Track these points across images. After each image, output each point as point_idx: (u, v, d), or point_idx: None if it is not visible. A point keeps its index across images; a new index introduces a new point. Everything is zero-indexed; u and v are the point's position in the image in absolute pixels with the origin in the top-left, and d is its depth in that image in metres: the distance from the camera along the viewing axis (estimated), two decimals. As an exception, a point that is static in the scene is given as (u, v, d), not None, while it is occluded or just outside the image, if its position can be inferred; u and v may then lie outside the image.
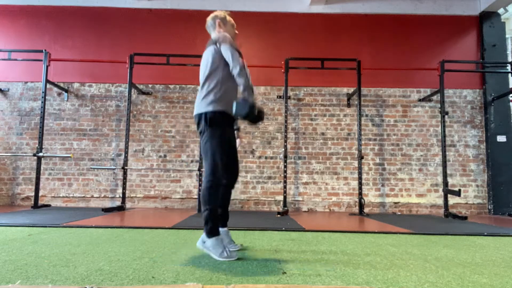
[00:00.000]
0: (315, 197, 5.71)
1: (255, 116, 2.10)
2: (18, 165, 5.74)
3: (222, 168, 2.17)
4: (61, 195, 5.68)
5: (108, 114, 5.86)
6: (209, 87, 2.21)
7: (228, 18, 2.46)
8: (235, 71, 2.15)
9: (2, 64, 5.87)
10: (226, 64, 2.22)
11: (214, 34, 2.41)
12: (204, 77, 2.24)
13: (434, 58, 5.93)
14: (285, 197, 5.14)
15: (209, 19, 2.44)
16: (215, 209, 2.15)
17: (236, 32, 2.52)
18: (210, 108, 2.16)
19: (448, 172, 5.61)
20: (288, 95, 5.54)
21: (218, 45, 2.22)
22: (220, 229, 2.25)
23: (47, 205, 5.40)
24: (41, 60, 5.32)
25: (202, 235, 2.15)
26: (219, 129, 2.17)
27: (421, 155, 5.81)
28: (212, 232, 2.11)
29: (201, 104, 2.20)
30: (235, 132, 2.52)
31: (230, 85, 2.24)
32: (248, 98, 2.09)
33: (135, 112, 5.84)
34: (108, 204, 5.60)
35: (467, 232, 3.42)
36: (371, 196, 5.72)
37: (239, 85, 2.17)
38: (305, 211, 5.56)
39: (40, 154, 5.11)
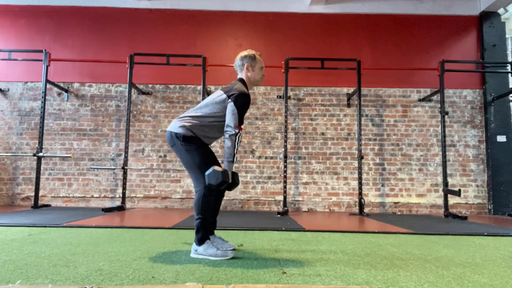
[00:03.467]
0: (315, 197, 5.71)
1: (227, 186, 2.15)
2: (18, 165, 5.74)
3: None
4: (61, 195, 5.68)
5: (108, 114, 5.86)
6: (196, 120, 2.22)
7: (258, 58, 2.38)
8: (227, 133, 2.16)
9: (2, 64, 5.87)
10: (225, 115, 2.21)
11: (240, 74, 2.39)
12: (199, 111, 2.25)
13: (434, 58, 5.93)
14: (285, 197, 5.14)
15: (238, 59, 2.38)
16: (208, 219, 2.18)
17: (264, 74, 2.45)
18: (180, 131, 2.18)
19: (448, 172, 5.61)
20: (288, 95, 5.54)
21: (228, 99, 2.19)
22: (210, 236, 2.27)
23: (47, 205, 5.41)
24: (41, 60, 5.31)
25: (193, 245, 2.17)
26: (194, 143, 2.19)
27: (421, 155, 5.81)
28: (203, 240, 2.14)
29: (177, 123, 2.22)
30: None
31: (213, 129, 2.25)
32: (224, 171, 2.07)
33: (135, 112, 5.84)
34: (108, 204, 5.60)
35: (467, 232, 3.42)
36: (371, 196, 5.72)
37: (224, 145, 2.17)
38: (305, 211, 5.56)
39: (40, 154, 5.11)
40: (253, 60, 2.36)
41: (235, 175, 2.22)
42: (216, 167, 2.07)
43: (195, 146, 2.18)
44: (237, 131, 2.16)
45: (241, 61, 2.37)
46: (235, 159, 2.17)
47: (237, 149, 2.17)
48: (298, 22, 6.10)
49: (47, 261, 1.93)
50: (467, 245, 2.74)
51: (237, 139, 2.17)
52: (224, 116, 2.20)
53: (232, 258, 2.11)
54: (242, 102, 2.19)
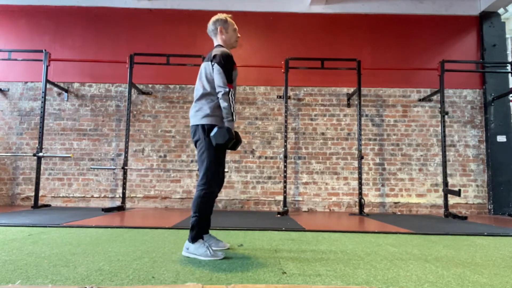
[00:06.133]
0: (315, 197, 5.71)
1: (232, 144, 2.20)
2: (18, 165, 5.74)
3: (217, 178, 2.24)
4: (61, 195, 5.68)
5: (108, 114, 5.86)
6: (204, 101, 2.24)
7: (230, 21, 2.41)
8: (219, 94, 2.18)
9: (2, 64, 5.87)
10: None
11: (215, 41, 2.41)
12: (201, 92, 2.26)
13: (434, 58, 5.93)
14: (285, 197, 5.14)
15: (210, 24, 2.41)
16: (205, 218, 2.19)
17: (239, 35, 2.49)
18: (204, 121, 2.20)
19: (448, 172, 5.61)
20: (288, 95, 5.54)
21: (213, 63, 2.22)
22: (204, 235, 2.27)
23: (47, 205, 5.40)
24: (41, 60, 5.31)
25: (185, 243, 2.18)
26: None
27: (421, 155, 5.81)
28: (196, 238, 2.15)
29: (196, 116, 2.24)
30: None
31: None
32: (227, 128, 2.12)
33: (135, 112, 5.84)
34: (108, 204, 5.60)
35: (467, 232, 3.42)
36: (371, 196, 5.72)
37: (222, 107, 2.18)
38: (305, 211, 5.56)
39: (40, 154, 5.11)
40: (225, 22, 2.39)
41: (237, 134, 2.30)
42: (219, 127, 2.12)
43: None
44: (227, 89, 2.17)
45: (213, 25, 2.40)
46: (234, 118, 2.19)
47: (233, 107, 2.19)
48: (298, 22, 6.10)
49: (47, 261, 1.93)
50: (467, 245, 2.74)
51: (230, 98, 2.18)
52: None
53: (232, 258, 2.11)
54: (225, 60, 2.21)
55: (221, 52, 2.23)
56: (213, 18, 2.42)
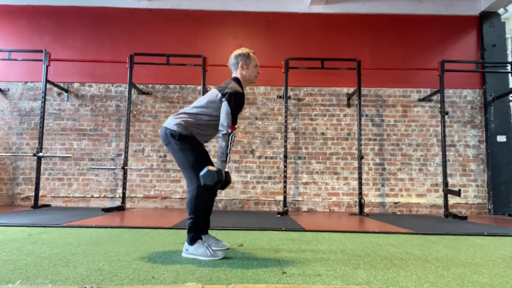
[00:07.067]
0: (315, 197, 5.71)
1: (220, 186, 2.16)
2: (18, 165, 5.74)
3: None
4: (61, 195, 5.68)
5: (108, 114, 5.86)
6: (191, 117, 2.22)
7: (252, 56, 2.38)
8: (220, 133, 2.17)
9: (2, 64, 5.87)
10: (218, 114, 2.21)
11: (234, 73, 2.39)
12: (193, 108, 2.25)
13: (434, 58, 5.93)
14: (285, 197, 5.14)
15: (231, 58, 2.38)
16: (200, 219, 2.18)
17: (259, 72, 2.45)
18: (179, 129, 2.17)
19: (448, 172, 5.61)
20: (288, 95, 5.54)
21: (223, 97, 2.19)
22: (202, 236, 2.27)
23: (47, 205, 5.41)
24: (41, 60, 5.31)
25: (185, 244, 2.17)
26: (189, 141, 2.18)
27: (421, 155, 5.81)
28: (194, 240, 2.14)
29: (173, 121, 2.21)
30: None
31: (207, 128, 2.25)
32: (218, 170, 2.09)
33: (135, 112, 5.84)
34: (108, 204, 5.60)
35: (467, 232, 3.42)
36: (371, 196, 5.72)
37: (219, 145, 2.17)
38: (305, 211, 5.56)
39: (40, 154, 5.11)
40: (248, 58, 2.36)
41: (227, 174, 2.26)
42: (210, 167, 2.08)
43: (189, 145, 2.17)
44: (230, 131, 2.16)
45: (235, 60, 2.37)
46: (228, 159, 2.17)
47: (230, 149, 2.18)
48: (298, 22, 6.10)
49: (47, 261, 1.93)
50: (467, 245, 2.74)
51: (230, 139, 2.17)
52: (219, 115, 2.20)
53: (232, 258, 2.11)
54: (236, 101, 2.19)
55: (235, 92, 2.19)
56: (236, 52, 2.38)
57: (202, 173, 2.08)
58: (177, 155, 2.21)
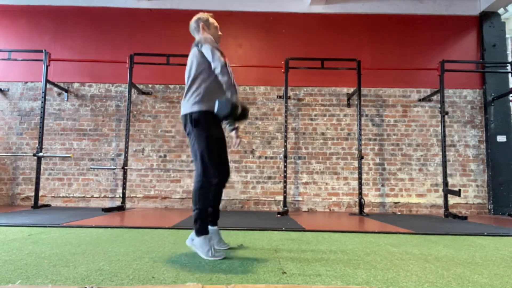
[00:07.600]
0: (315, 197, 5.71)
1: (237, 115, 2.10)
2: (18, 165, 5.74)
3: (212, 168, 2.19)
4: (61, 195, 5.68)
5: (108, 114, 5.86)
6: (194, 88, 2.22)
7: (211, 20, 2.46)
8: (217, 70, 2.15)
9: (2, 64, 5.87)
10: (210, 64, 2.21)
11: (197, 37, 2.41)
12: (190, 80, 2.25)
13: (434, 58, 5.93)
14: (285, 197, 5.14)
15: (192, 22, 2.46)
16: (205, 210, 2.17)
17: (220, 33, 2.51)
18: (194, 109, 2.17)
19: (448, 172, 5.61)
20: (288, 95, 5.54)
21: (200, 46, 2.24)
22: (210, 227, 2.27)
23: (47, 205, 5.40)
24: (41, 60, 5.31)
25: (192, 233, 2.18)
26: (205, 129, 2.17)
27: (421, 155, 5.81)
28: (200, 231, 2.13)
29: (186, 105, 2.21)
30: (233, 131, 2.52)
31: (215, 85, 2.23)
32: (230, 97, 2.08)
33: (135, 112, 5.84)
34: (108, 204, 5.60)
35: (467, 232, 3.42)
36: (371, 196, 5.72)
37: (222, 83, 2.16)
38: (305, 211, 5.56)
39: (40, 154, 5.11)
40: (207, 20, 2.44)
41: (243, 102, 2.22)
42: (220, 98, 2.07)
43: (205, 134, 2.16)
44: (223, 61, 2.15)
45: (195, 24, 2.46)
46: (236, 88, 2.15)
47: (232, 78, 2.15)
48: (298, 22, 6.10)
49: (47, 261, 1.93)
50: (467, 245, 2.74)
51: (228, 69, 2.16)
52: (210, 65, 2.20)
53: (232, 258, 2.11)
54: (208, 39, 2.24)
55: (203, 35, 2.29)
56: (195, 17, 2.47)
57: (216, 107, 2.05)
58: (192, 143, 2.21)
